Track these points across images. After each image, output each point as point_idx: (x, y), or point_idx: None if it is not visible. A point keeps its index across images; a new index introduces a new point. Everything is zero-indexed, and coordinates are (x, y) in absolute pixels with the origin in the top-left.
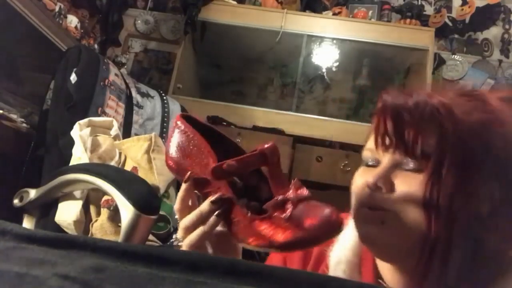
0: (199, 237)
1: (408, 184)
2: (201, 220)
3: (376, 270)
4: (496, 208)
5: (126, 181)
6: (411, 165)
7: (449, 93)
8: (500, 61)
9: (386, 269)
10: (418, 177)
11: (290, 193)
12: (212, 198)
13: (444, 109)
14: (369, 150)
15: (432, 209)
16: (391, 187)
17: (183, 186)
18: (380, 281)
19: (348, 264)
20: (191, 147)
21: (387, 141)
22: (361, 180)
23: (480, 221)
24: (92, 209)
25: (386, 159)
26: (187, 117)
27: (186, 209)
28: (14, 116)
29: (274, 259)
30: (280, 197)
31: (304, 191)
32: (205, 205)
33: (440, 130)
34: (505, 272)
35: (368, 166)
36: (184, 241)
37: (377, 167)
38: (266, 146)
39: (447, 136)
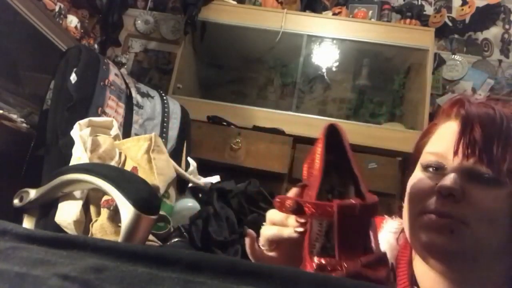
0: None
1: (484, 197)
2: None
3: (412, 276)
4: None
5: (126, 181)
6: (489, 178)
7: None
8: (500, 61)
9: (426, 277)
10: (495, 191)
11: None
12: (301, 221)
13: None
14: (434, 154)
15: None
16: (463, 196)
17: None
18: (416, 287)
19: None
20: (312, 171)
21: (470, 150)
22: (423, 184)
23: None
24: (92, 209)
25: (459, 166)
26: (333, 131)
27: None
28: (14, 116)
29: None
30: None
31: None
32: (292, 220)
33: None
34: None
35: (428, 171)
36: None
37: (444, 173)
38: (343, 204)
39: None
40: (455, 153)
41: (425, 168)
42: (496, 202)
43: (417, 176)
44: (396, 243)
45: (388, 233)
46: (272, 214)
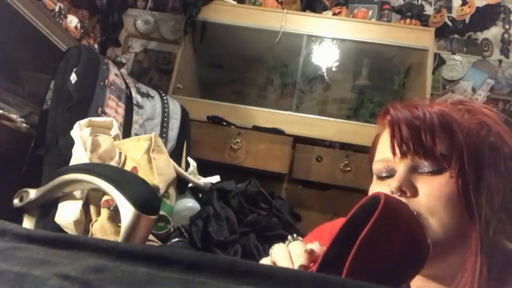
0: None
1: (431, 185)
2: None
3: None
4: (503, 203)
5: (126, 181)
6: (429, 167)
7: (441, 103)
8: (500, 61)
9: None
10: (439, 178)
11: None
12: (308, 249)
13: (448, 116)
14: (381, 161)
15: (470, 205)
16: (414, 190)
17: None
18: None
19: None
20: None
21: (404, 148)
22: (380, 190)
23: (495, 214)
24: (92, 209)
25: (402, 165)
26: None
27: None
28: (14, 116)
29: None
30: None
31: None
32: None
33: (451, 133)
34: None
35: (381, 178)
36: None
37: (394, 176)
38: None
39: (459, 138)
40: (394, 154)
41: (379, 176)
42: (441, 186)
43: (374, 184)
44: None
45: None
46: (277, 253)
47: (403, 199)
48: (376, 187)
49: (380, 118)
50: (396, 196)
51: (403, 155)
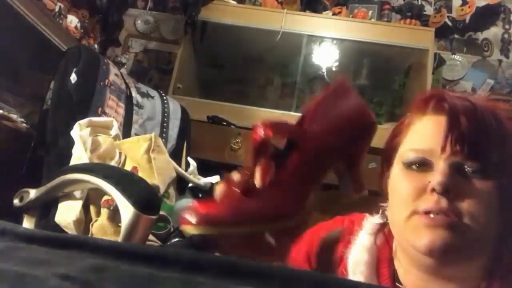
0: None
1: (478, 191)
2: None
3: (393, 272)
4: None
5: (126, 181)
6: (479, 171)
7: (487, 98)
8: (500, 61)
9: (409, 274)
10: (486, 185)
11: None
12: None
13: (501, 119)
14: (416, 151)
15: (508, 219)
16: (457, 193)
17: None
18: (398, 284)
19: (366, 265)
20: None
21: (459, 144)
22: (411, 184)
23: None
24: (92, 209)
25: (447, 162)
26: None
27: None
28: (14, 116)
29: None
30: None
31: None
32: None
33: (504, 140)
34: None
35: (410, 169)
36: None
37: (431, 171)
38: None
39: (510, 144)
40: (443, 149)
41: (409, 165)
42: (487, 195)
43: (401, 176)
44: (374, 244)
45: (365, 235)
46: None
47: (444, 201)
48: (405, 180)
49: (421, 103)
50: (435, 195)
51: (453, 152)
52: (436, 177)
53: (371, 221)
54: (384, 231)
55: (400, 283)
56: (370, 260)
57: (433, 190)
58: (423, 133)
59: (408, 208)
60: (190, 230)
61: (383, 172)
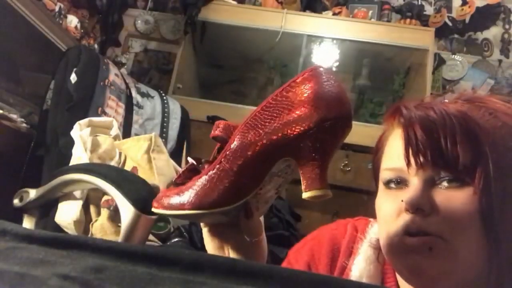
0: None
1: (452, 202)
2: None
3: (397, 284)
4: None
5: (126, 181)
6: (450, 181)
7: (455, 101)
8: (500, 61)
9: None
10: (460, 194)
11: None
12: None
13: (469, 119)
14: (392, 170)
15: (494, 225)
16: (432, 208)
17: None
18: None
19: (371, 279)
20: None
21: (421, 158)
22: (390, 205)
23: None
24: (92, 209)
25: (418, 177)
26: None
27: None
28: (14, 116)
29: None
30: None
31: None
32: None
33: (475, 141)
34: None
35: (390, 188)
36: None
37: (407, 188)
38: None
39: (483, 147)
40: (408, 165)
41: (387, 184)
42: (463, 205)
43: (382, 195)
44: (378, 256)
45: (369, 247)
46: None
47: (419, 218)
48: (386, 201)
49: (389, 117)
50: (410, 214)
51: (420, 166)
52: (407, 196)
53: (374, 231)
54: None
55: None
56: (375, 274)
57: (406, 210)
58: (394, 150)
59: (389, 229)
60: (155, 211)
61: (375, 191)
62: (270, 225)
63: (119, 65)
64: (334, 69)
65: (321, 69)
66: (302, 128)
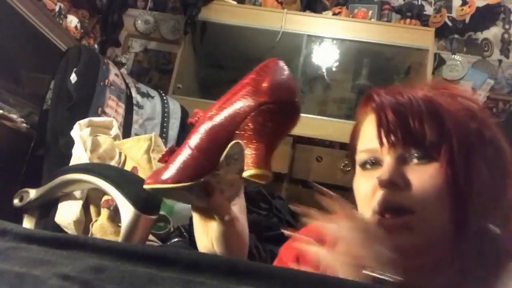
0: None
1: (422, 176)
2: None
3: None
4: (489, 189)
5: (126, 181)
6: (419, 157)
7: (423, 88)
8: (500, 61)
9: None
10: (429, 168)
11: None
12: None
13: (435, 102)
14: (366, 151)
15: (460, 195)
16: (405, 182)
17: None
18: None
19: None
20: None
21: (392, 137)
22: (367, 184)
23: (484, 203)
24: (92, 209)
25: (390, 155)
26: None
27: None
28: (14, 116)
29: (285, 259)
30: None
31: None
32: None
33: (439, 121)
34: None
35: (366, 169)
36: None
37: (381, 167)
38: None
39: (447, 126)
40: (381, 144)
41: (363, 166)
42: (431, 178)
43: (359, 177)
44: None
45: None
46: None
47: (393, 193)
48: (362, 180)
49: (362, 105)
50: (384, 190)
51: (391, 145)
52: (380, 172)
53: None
54: None
55: None
56: None
57: (381, 186)
58: (367, 134)
59: (368, 208)
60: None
61: (353, 174)
62: (270, 225)
63: (119, 65)
64: (334, 69)
65: (273, 59)
66: (244, 111)
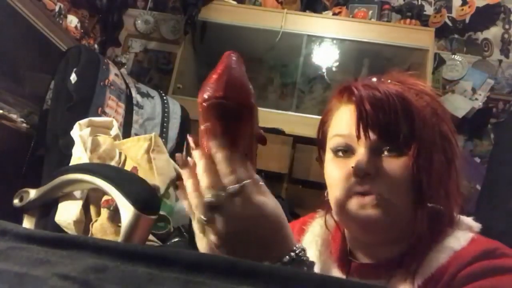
0: None
1: (393, 167)
2: None
3: (346, 249)
4: (438, 176)
5: (126, 181)
6: (392, 150)
7: (393, 82)
8: (500, 61)
9: (357, 247)
10: (399, 161)
11: None
12: None
13: (407, 99)
14: (341, 136)
15: (421, 183)
16: (377, 172)
17: None
18: (350, 258)
19: (321, 240)
20: None
21: (370, 130)
22: (340, 171)
23: (440, 194)
24: (92, 209)
25: (364, 146)
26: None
27: None
28: (14, 116)
29: None
30: None
31: None
32: None
33: (411, 118)
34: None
35: (338, 156)
36: None
37: (354, 156)
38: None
39: (417, 124)
40: (358, 136)
41: (335, 152)
42: (400, 169)
43: (331, 162)
44: (325, 228)
45: (316, 224)
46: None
47: (365, 181)
48: (335, 168)
49: (337, 95)
50: (358, 177)
51: (368, 138)
52: (356, 162)
53: (321, 215)
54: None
55: (353, 257)
56: (325, 237)
57: (355, 174)
58: (344, 121)
59: (341, 192)
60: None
61: (321, 160)
62: None
63: (119, 65)
64: (334, 69)
65: (227, 54)
66: (200, 109)
